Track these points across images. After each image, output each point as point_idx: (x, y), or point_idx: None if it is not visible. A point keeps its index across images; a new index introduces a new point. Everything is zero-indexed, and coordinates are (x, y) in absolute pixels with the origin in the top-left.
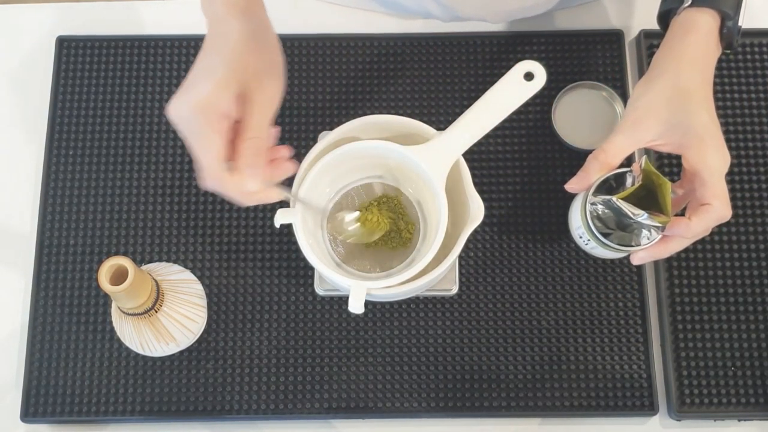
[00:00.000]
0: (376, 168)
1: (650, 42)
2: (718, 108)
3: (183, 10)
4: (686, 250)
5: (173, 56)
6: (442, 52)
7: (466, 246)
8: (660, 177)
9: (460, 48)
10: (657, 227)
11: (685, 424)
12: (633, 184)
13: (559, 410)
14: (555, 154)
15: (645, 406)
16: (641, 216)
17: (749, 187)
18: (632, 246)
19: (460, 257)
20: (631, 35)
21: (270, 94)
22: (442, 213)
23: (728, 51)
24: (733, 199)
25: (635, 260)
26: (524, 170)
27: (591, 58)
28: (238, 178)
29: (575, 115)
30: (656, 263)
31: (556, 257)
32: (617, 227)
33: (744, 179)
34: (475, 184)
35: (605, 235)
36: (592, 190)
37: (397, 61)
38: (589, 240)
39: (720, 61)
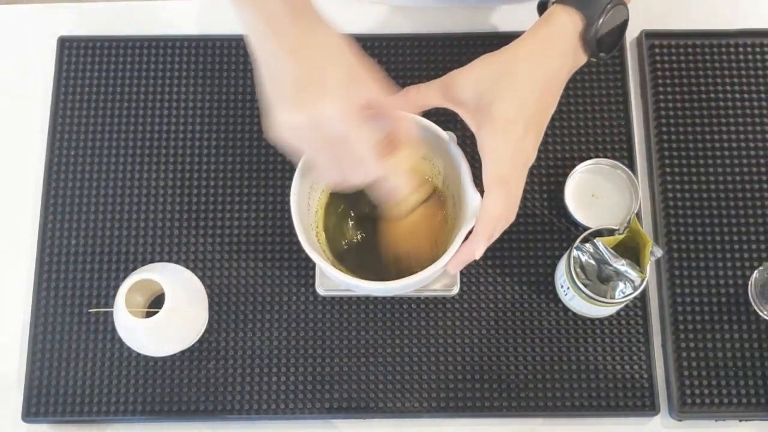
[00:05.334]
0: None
1: (651, 42)
2: (718, 108)
3: (185, 10)
4: (687, 249)
5: (175, 56)
6: (442, 52)
7: None
8: (645, 237)
9: (461, 48)
10: (632, 281)
11: (686, 424)
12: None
13: (560, 410)
14: (557, 154)
15: (646, 406)
16: (620, 263)
17: (750, 187)
18: (606, 299)
19: None
20: (632, 35)
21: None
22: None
23: (593, 59)
24: (733, 198)
25: (451, 267)
26: None
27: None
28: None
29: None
30: (657, 263)
31: (558, 257)
32: (597, 278)
33: (744, 179)
34: (477, 185)
35: (585, 285)
36: (580, 239)
37: (398, 61)
38: (569, 288)
39: (721, 61)
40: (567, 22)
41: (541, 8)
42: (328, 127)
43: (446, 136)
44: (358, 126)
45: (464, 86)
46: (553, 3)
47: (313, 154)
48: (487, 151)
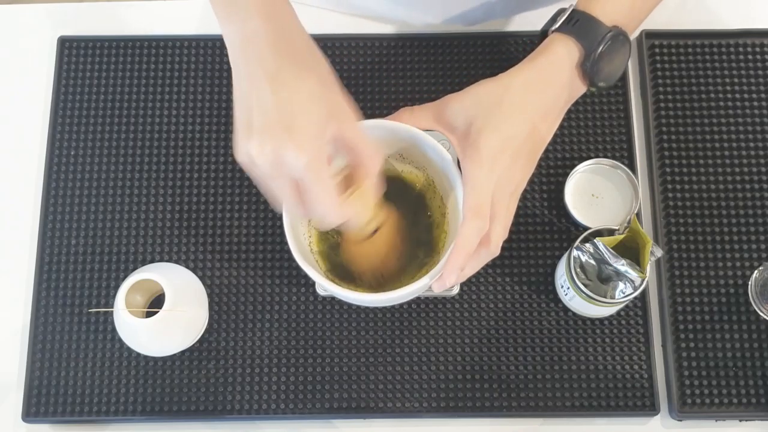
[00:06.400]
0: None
1: (652, 42)
2: (719, 108)
3: (185, 10)
4: (687, 249)
5: (175, 56)
6: (442, 53)
7: None
8: (645, 237)
9: (461, 48)
10: (632, 281)
11: (686, 425)
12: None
13: (560, 410)
14: (557, 154)
15: (646, 407)
16: (620, 263)
17: (750, 187)
18: (606, 299)
19: None
20: (632, 36)
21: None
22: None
23: (593, 89)
24: (733, 198)
25: (436, 287)
26: None
27: None
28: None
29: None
30: (658, 263)
31: (558, 257)
32: (597, 278)
33: (744, 179)
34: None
35: (585, 285)
36: (580, 239)
37: (398, 62)
38: (569, 288)
39: (721, 61)
40: (565, 52)
41: (543, 36)
42: (290, 170)
43: (449, 157)
44: (320, 175)
45: (456, 112)
46: (552, 31)
47: (270, 188)
48: (468, 180)
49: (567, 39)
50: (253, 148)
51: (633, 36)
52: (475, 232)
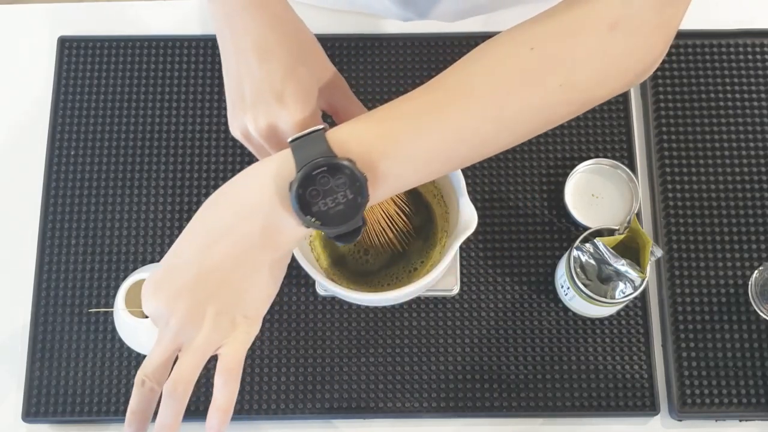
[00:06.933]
0: None
1: None
2: (718, 108)
3: (185, 10)
4: (687, 249)
5: (175, 56)
6: (443, 53)
7: (467, 246)
8: (645, 237)
9: (461, 48)
10: (632, 281)
11: (686, 424)
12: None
13: (560, 410)
14: (557, 154)
15: (646, 406)
16: (620, 263)
17: (750, 187)
18: (606, 299)
19: (461, 257)
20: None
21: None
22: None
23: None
24: (733, 198)
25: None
26: (525, 170)
27: None
28: None
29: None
30: (657, 263)
31: (558, 257)
32: (597, 278)
33: (744, 179)
34: (476, 184)
35: (585, 285)
36: (580, 239)
37: (398, 62)
38: (569, 288)
39: (721, 61)
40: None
41: None
42: (285, 139)
43: None
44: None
45: None
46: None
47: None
48: None
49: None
50: (248, 121)
51: None
52: None
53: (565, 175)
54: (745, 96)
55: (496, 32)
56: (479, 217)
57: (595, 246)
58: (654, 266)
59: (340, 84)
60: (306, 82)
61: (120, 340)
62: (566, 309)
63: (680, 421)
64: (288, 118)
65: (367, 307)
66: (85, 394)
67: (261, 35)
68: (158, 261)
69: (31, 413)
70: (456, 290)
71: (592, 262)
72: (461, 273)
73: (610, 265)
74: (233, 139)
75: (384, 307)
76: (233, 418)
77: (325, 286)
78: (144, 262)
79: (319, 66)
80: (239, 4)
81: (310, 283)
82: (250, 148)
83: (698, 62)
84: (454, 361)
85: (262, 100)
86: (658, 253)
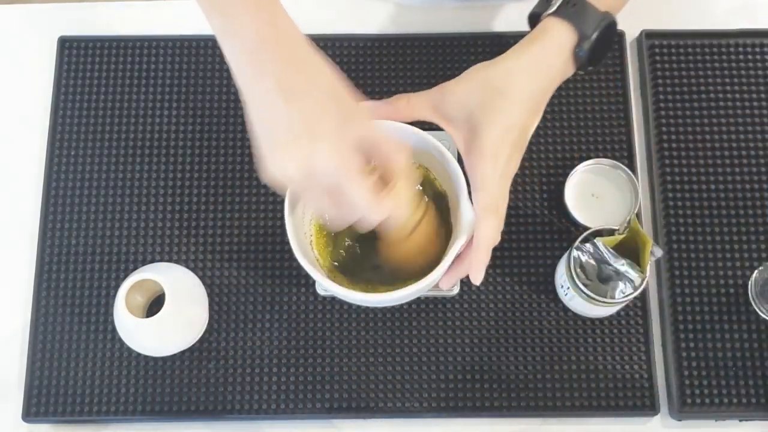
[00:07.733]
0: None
1: (652, 42)
2: (718, 108)
3: (185, 10)
4: (687, 249)
5: (175, 56)
6: (442, 53)
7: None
8: (645, 237)
9: (461, 48)
10: (632, 281)
11: (686, 424)
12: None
13: (560, 410)
14: (557, 154)
15: (646, 406)
16: (620, 263)
17: (750, 187)
18: (606, 299)
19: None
20: (632, 35)
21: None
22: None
23: (581, 72)
24: (733, 198)
25: (444, 283)
26: (525, 170)
27: None
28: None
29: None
30: (657, 263)
31: (558, 257)
32: (597, 278)
33: (744, 179)
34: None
35: (585, 285)
36: (580, 239)
37: (398, 62)
38: (569, 288)
39: (721, 61)
40: (562, 37)
41: (532, 19)
42: (323, 177)
43: (448, 154)
44: (353, 175)
45: (454, 102)
46: (546, 15)
47: (308, 198)
48: (478, 178)
49: (563, 24)
50: (284, 163)
51: (632, 36)
52: (495, 228)
53: (565, 175)
54: (745, 96)
55: (497, 32)
56: None
57: (595, 246)
58: (654, 266)
59: (368, 123)
60: (334, 121)
61: (120, 340)
62: (566, 309)
63: (680, 421)
64: (323, 158)
65: (367, 307)
66: (85, 394)
67: (285, 75)
68: (158, 261)
69: (31, 413)
70: (456, 290)
71: (592, 262)
72: None
73: (610, 265)
74: (233, 139)
75: (384, 308)
76: (233, 418)
77: (325, 286)
78: (144, 262)
79: (345, 105)
80: (258, 42)
81: (310, 283)
82: (289, 188)
83: (698, 62)
84: (454, 361)
85: (295, 141)
86: (658, 253)
